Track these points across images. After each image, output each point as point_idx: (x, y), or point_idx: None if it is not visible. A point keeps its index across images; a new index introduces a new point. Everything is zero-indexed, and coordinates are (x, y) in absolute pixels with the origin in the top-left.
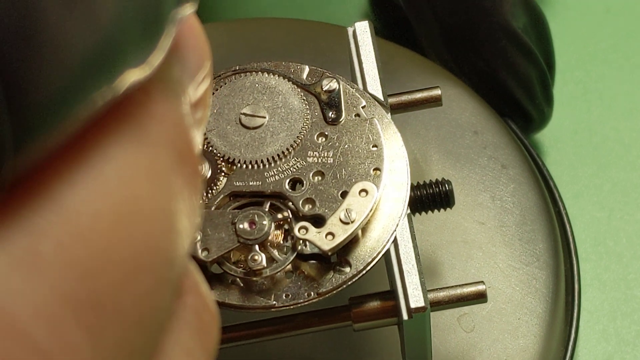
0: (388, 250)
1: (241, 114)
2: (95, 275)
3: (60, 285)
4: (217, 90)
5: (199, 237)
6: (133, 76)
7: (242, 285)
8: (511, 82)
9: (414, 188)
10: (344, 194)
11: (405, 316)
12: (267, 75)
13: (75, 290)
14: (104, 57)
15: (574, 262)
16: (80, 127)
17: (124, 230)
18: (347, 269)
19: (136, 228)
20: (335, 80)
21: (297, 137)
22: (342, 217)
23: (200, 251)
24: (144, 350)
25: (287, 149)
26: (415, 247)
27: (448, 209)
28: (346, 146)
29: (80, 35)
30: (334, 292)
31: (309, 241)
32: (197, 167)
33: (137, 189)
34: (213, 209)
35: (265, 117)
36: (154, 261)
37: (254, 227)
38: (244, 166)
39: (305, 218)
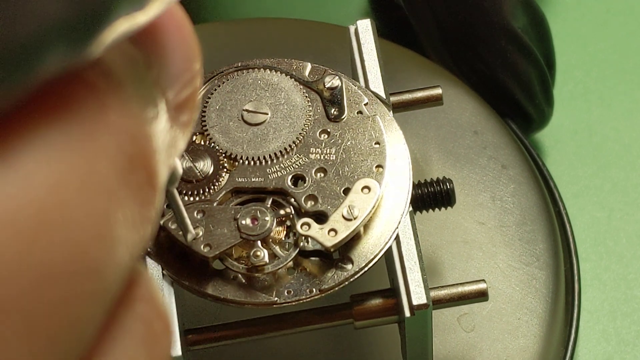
0: (390, 248)
1: (243, 110)
2: (2, 281)
3: None
4: (219, 86)
5: (200, 233)
6: (123, 26)
7: (243, 281)
8: (511, 82)
9: (415, 186)
10: (347, 191)
11: (407, 313)
12: (269, 72)
13: None
14: None
15: (574, 262)
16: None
17: (44, 238)
18: (349, 266)
19: (58, 236)
20: (337, 77)
21: (300, 133)
22: (345, 214)
23: (202, 247)
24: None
25: (290, 146)
26: (417, 244)
27: (449, 208)
28: (349, 143)
29: None
30: (336, 288)
31: (311, 237)
32: (153, 175)
33: (67, 194)
34: (215, 205)
35: (267, 114)
36: (76, 270)
37: (256, 223)
38: (246, 162)
39: (307, 214)
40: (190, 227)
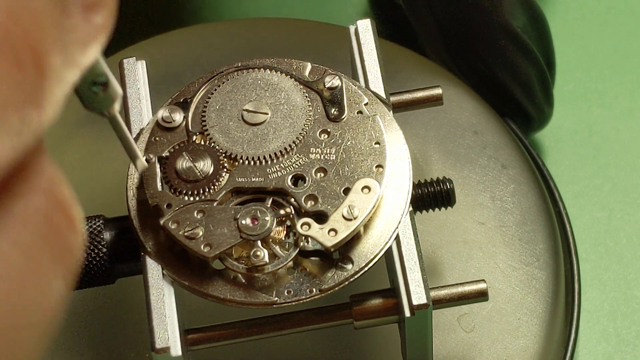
0: (390, 248)
1: (243, 110)
2: None
3: None
4: (219, 86)
5: (200, 233)
6: None
7: (243, 281)
8: (511, 81)
9: (415, 186)
10: (347, 191)
11: (407, 313)
12: (269, 72)
13: None
14: None
15: (574, 262)
16: None
17: None
18: (349, 266)
19: None
20: (337, 77)
21: (300, 133)
22: (345, 214)
23: (202, 247)
24: None
25: (290, 146)
26: (417, 244)
27: (449, 208)
28: (349, 143)
29: None
30: (336, 288)
31: (311, 237)
32: (39, 55)
33: None
34: (215, 204)
35: (267, 114)
36: None
37: (256, 223)
38: (246, 162)
39: (307, 214)
40: (140, 154)
